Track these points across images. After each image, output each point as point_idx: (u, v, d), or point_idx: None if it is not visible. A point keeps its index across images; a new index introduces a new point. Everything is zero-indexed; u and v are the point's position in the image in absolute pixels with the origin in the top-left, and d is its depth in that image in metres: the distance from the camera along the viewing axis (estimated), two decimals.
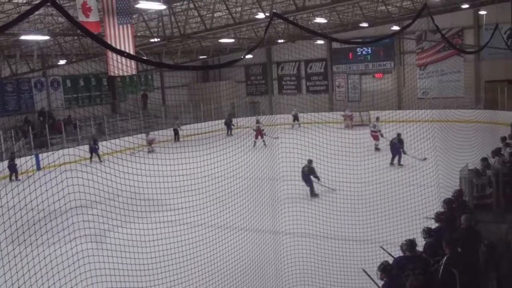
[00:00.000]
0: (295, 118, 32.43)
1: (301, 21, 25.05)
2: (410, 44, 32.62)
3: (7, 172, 21.90)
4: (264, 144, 24.84)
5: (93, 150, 24.94)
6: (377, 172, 14.91)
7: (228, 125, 32.13)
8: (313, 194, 15.36)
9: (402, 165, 18.43)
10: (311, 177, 15.50)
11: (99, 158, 24.20)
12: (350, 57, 35.10)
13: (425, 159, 16.55)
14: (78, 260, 8.56)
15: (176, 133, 31.15)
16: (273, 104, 37.33)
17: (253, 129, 26.30)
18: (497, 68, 27.12)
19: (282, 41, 29.96)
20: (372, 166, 15.35)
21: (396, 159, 18.89)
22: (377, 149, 21.68)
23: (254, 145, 25.04)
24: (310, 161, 15.32)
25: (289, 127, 29.39)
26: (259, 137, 25.74)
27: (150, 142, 27.77)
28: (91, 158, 24.52)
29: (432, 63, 31.89)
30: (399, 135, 18.68)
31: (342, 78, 35.85)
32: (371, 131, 22.35)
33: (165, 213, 13.61)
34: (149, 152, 26.55)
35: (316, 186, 15.53)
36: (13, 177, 22.14)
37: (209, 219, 11.66)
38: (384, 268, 6.90)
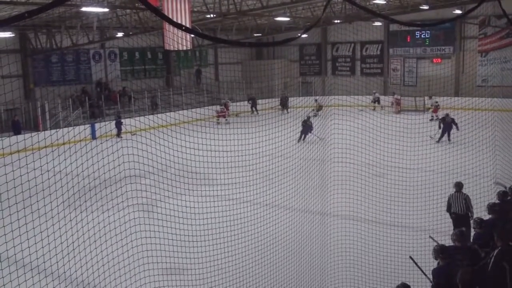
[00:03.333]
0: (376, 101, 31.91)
1: (359, 2, 24.51)
2: (472, 29, 31.39)
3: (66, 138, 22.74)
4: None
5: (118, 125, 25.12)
6: (430, 160, 14.57)
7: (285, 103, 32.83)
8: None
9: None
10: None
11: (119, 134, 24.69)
12: (408, 40, 34.15)
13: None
14: (130, 227, 8.81)
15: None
16: (326, 85, 36.94)
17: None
18: None
19: (338, 21, 29.46)
20: (425, 153, 15.02)
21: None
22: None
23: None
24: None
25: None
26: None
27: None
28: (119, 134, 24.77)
29: (495, 50, 30.64)
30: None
31: (398, 61, 35.01)
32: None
33: (214, 187, 13.84)
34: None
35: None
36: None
37: (256, 197, 11.74)
38: (442, 250, 6.83)
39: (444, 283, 6.57)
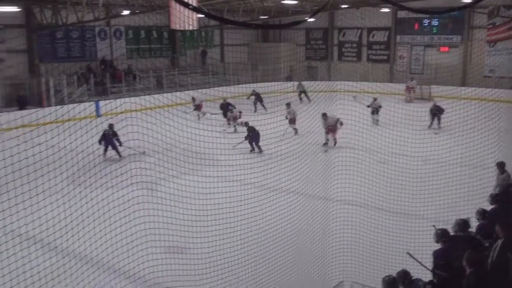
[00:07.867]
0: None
1: None
2: (480, 18, 31.09)
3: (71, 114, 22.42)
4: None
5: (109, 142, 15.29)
6: (434, 149, 14.54)
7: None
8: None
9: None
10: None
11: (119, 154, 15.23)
12: (416, 27, 33.87)
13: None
14: (133, 205, 8.83)
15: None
16: (331, 71, 36.72)
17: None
18: None
19: (346, 6, 29.20)
20: (429, 142, 14.99)
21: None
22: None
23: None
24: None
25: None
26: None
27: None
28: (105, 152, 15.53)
29: (503, 40, 30.38)
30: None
31: (405, 49, 34.77)
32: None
33: (218, 168, 13.84)
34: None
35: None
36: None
37: (260, 179, 11.75)
38: (444, 233, 6.88)
39: (443, 264, 6.62)
